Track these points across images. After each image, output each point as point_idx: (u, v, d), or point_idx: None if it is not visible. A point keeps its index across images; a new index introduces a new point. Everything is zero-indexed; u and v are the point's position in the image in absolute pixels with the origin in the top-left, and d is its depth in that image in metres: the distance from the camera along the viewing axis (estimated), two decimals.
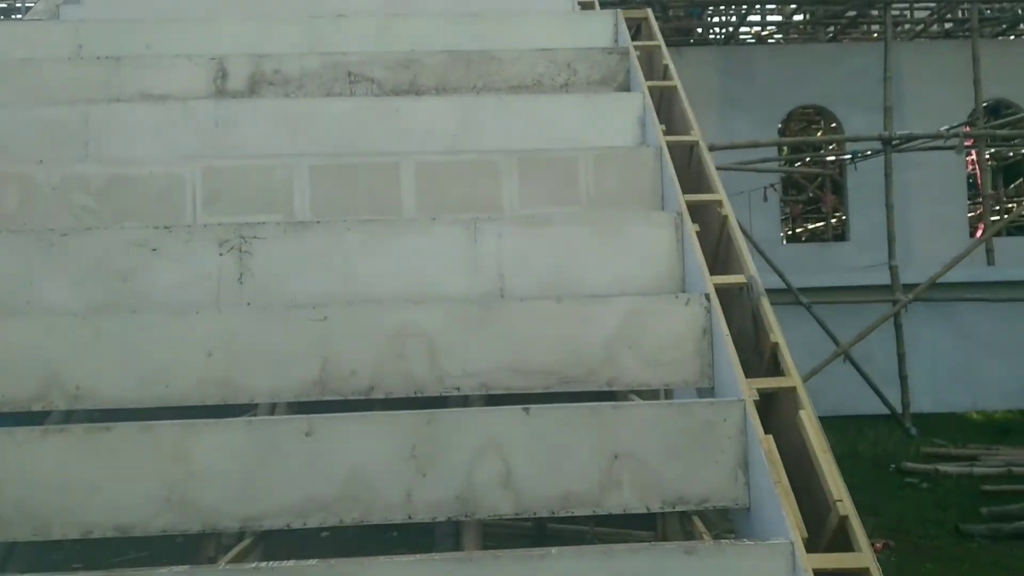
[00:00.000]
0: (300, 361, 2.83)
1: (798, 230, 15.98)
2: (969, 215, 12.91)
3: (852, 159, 10.25)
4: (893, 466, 6.90)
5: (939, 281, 9.03)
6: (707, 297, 2.97)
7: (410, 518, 2.45)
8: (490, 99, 4.13)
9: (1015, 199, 14.34)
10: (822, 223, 14.47)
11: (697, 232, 3.32)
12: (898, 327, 8.63)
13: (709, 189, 3.55)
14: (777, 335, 2.83)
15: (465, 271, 3.24)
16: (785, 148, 12.62)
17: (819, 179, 11.99)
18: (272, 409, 3.31)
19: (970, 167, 13.36)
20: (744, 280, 3.07)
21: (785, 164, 12.35)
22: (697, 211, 3.62)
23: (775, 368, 2.82)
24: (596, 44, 4.62)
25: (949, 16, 12.33)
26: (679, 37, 12.48)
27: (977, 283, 9.45)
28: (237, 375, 2.80)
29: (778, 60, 12.29)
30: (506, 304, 2.99)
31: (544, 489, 2.52)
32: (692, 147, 3.84)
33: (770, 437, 2.49)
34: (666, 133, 4.00)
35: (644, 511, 2.58)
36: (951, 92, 10.79)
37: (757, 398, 2.60)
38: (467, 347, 2.91)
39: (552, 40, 4.57)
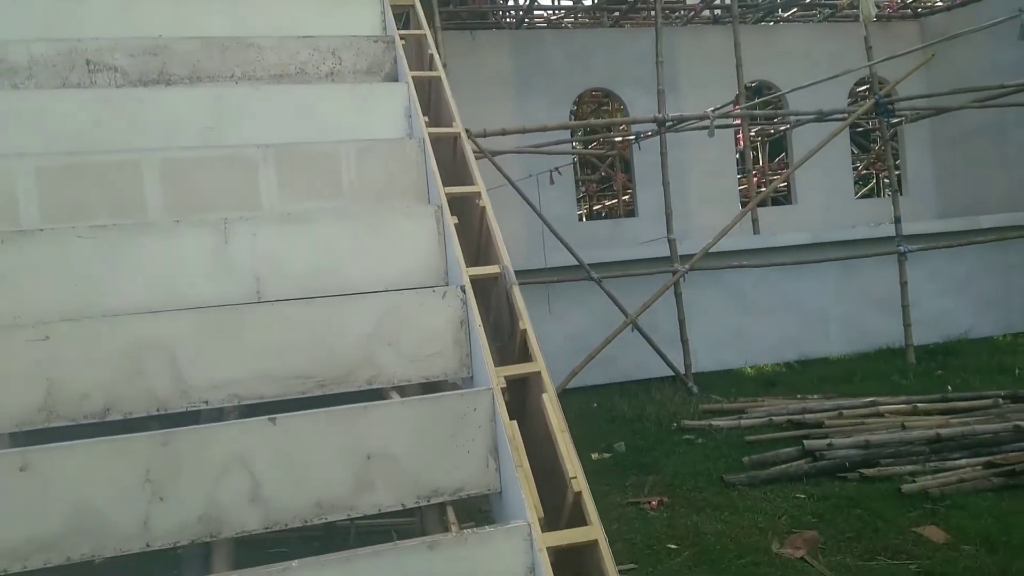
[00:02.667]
0: (20, 386, 2.58)
1: (596, 208, 16.83)
2: (742, 188, 14.16)
3: (636, 139, 10.91)
4: (675, 425, 7.49)
5: (713, 251, 9.84)
6: (463, 289, 3.04)
7: (148, 546, 2.33)
8: (247, 89, 3.94)
9: (779, 172, 15.96)
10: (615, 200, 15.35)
11: (457, 224, 3.39)
12: (678, 295, 9.34)
13: (471, 181, 3.63)
14: (525, 322, 2.95)
15: (216, 276, 3.10)
16: (581, 130, 13.20)
17: (609, 159, 12.65)
18: None
19: (741, 144, 14.68)
20: (499, 270, 3.18)
21: (579, 146, 12.94)
22: (461, 203, 3.70)
23: (527, 354, 2.95)
24: (362, 32, 4.54)
25: (717, 3, 13.36)
26: (475, 20, 12.61)
27: (745, 250, 10.43)
28: None
29: (567, 44, 12.77)
30: (255, 309, 2.90)
31: (295, 499, 2.48)
32: (455, 138, 3.90)
33: (514, 423, 2.61)
34: (434, 124, 4.03)
35: (400, 508, 2.61)
36: (722, 74, 11.73)
37: (504, 385, 2.71)
38: (214, 357, 2.79)
39: (316, 27, 4.44)
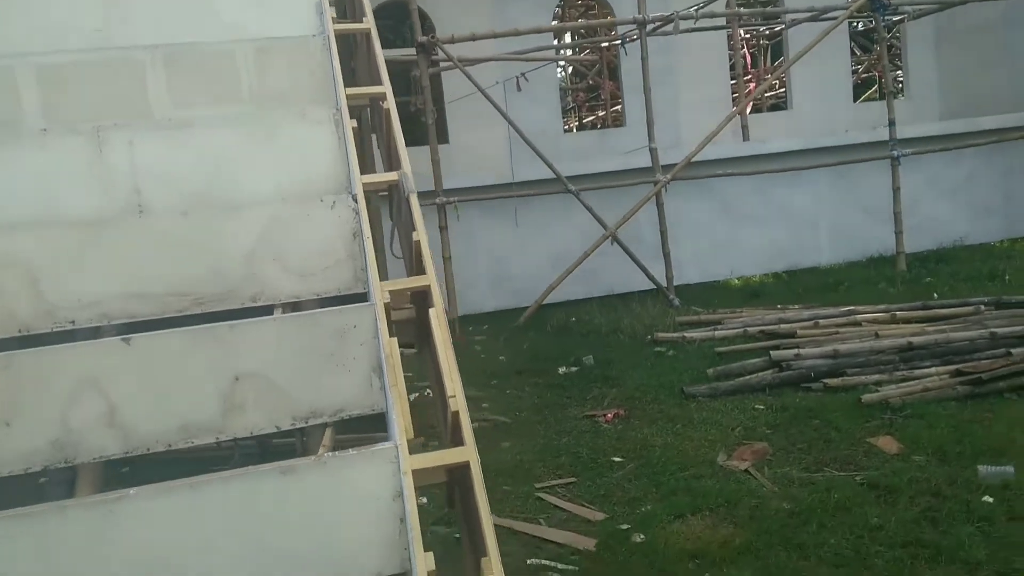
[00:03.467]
0: None
1: (589, 119, 16.28)
2: (737, 95, 13.61)
3: (622, 44, 10.37)
4: (649, 337, 7.35)
5: (700, 159, 9.49)
6: (355, 198, 2.81)
7: None
8: None
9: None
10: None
11: (356, 128, 3.14)
12: (659, 206, 9.04)
13: (379, 82, 3.35)
14: (420, 233, 2.73)
15: (94, 188, 2.87)
16: (568, 36, 12.59)
17: (596, 67, 12.08)
18: None
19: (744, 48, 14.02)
20: (397, 178, 2.94)
21: (563, 53, 12.37)
22: (370, 106, 3.43)
23: (422, 267, 2.75)
24: None
25: None
26: None
27: (733, 158, 10.05)
28: None
29: None
30: (126, 222, 2.69)
31: (157, 423, 2.33)
32: (367, 36, 3.60)
33: (393, 340, 2.43)
34: (344, 20, 3.72)
35: (275, 430, 2.46)
36: None
37: (388, 300, 2.52)
38: (81, 275, 2.60)
39: None
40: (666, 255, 9.16)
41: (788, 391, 5.33)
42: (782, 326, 6.92)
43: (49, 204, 2.83)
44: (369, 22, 3.54)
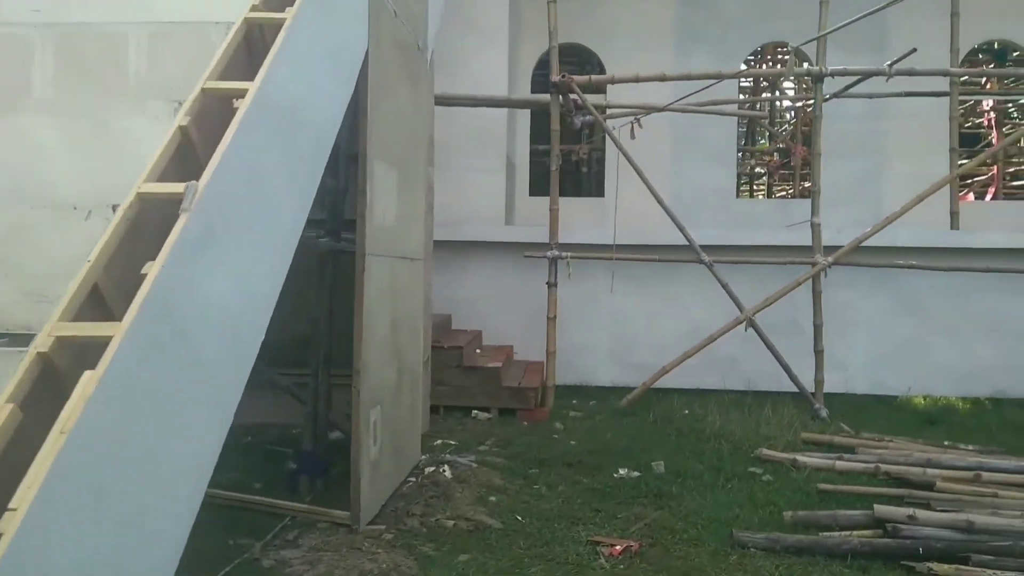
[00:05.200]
0: None
1: (785, 190, 14.48)
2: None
3: (813, 102, 8.90)
4: (754, 453, 5.94)
5: (885, 245, 7.83)
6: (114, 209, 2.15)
7: None
8: None
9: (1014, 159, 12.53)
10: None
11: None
12: (816, 294, 7.50)
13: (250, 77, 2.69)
14: (154, 266, 1.99)
15: None
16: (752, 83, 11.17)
17: (783, 129, 10.61)
18: None
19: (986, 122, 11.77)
20: (183, 190, 2.22)
21: (750, 107, 11.06)
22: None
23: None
24: None
25: None
26: None
27: (931, 248, 8.18)
28: None
29: None
30: None
31: None
32: (260, 28, 2.96)
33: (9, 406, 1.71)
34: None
35: None
36: (940, 27, 9.28)
37: (44, 349, 1.80)
38: None
39: None
40: (818, 353, 7.55)
41: (880, 565, 3.82)
42: (928, 471, 5.21)
43: None
44: (291, 13, 2.90)
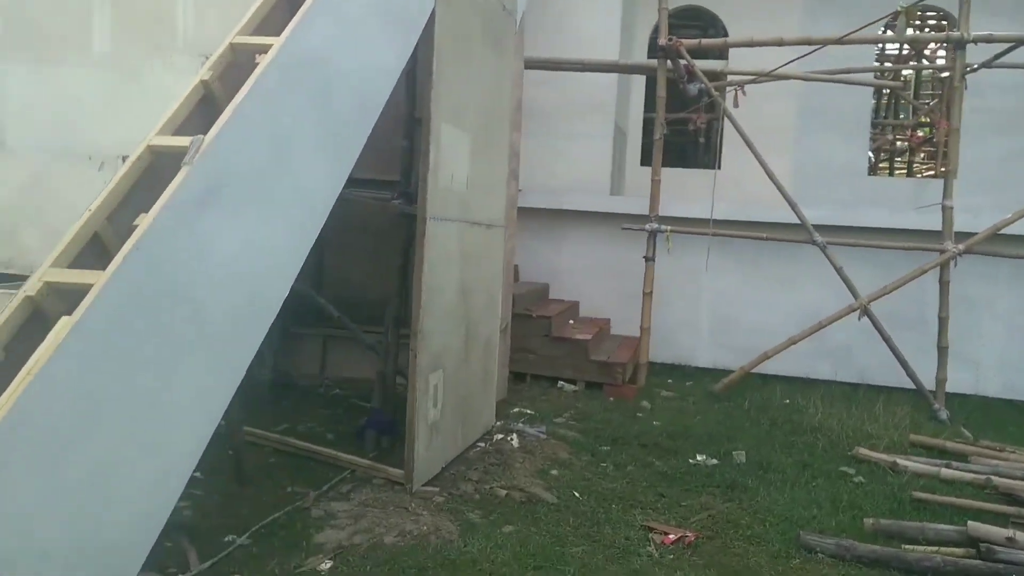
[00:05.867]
0: None
1: (927, 169, 13.18)
2: None
3: (961, 75, 8.00)
4: (851, 452, 5.49)
5: None
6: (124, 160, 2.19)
7: None
8: None
9: None
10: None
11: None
12: (943, 285, 6.79)
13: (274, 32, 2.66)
14: (147, 217, 2.00)
15: None
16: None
17: (928, 102, 9.57)
18: None
19: None
20: (187, 143, 2.22)
21: (886, 76, 10.07)
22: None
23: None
24: None
25: None
26: None
27: None
28: None
29: None
30: None
31: None
32: None
33: None
34: None
35: None
36: None
37: (32, 293, 1.84)
38: None
39: None
40: (941, 350, 6.88)
41: None
42: None
43: None
44: None
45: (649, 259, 7.47)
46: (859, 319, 6.89)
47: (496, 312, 5.39)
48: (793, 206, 7.00)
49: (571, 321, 7.89)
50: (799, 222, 7.10)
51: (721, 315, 8.37)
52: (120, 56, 2.73)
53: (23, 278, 2.19)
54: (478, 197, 4.65)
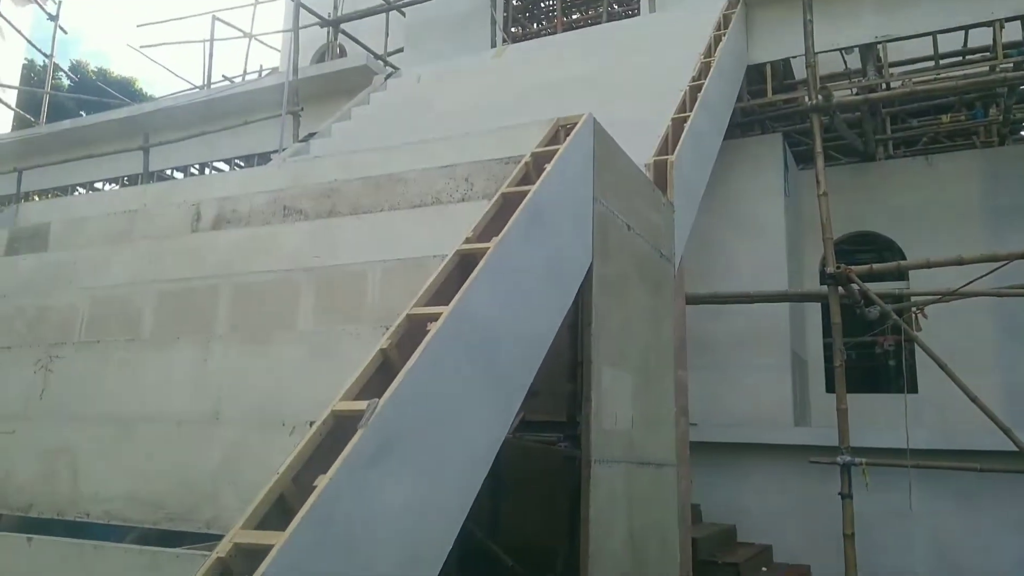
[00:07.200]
0: None
1: None
2: None
3: None
4: None
5: None
6: (311, 425, 2.44)
7: None
8: (348, 220, 4.02)
9: None
10: None
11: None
12: None
13: None
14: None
15: (190, 391, 3.12)
16: None
17: None
18: None
19: None
20: (364, 407, 2.44)
21: None
22: None
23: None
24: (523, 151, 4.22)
25: None
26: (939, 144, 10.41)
27: None
28: None
29: None
30: (140, 426, 2.80)
31: None
32: None
33: None
34: None
35: None
36: None
37: (222, 554, 2.02)
38: (105, 471, 2.78)
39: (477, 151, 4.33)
40: None
41: None
42: None
43: (163, 402, 3.12)
44: (494, 242, 3.18)
45: (846, 496, 6.82)
46: None
47: (674, 559, 5.07)
48: (1006, 431, 6.27)
49: (763, 568, 7.21)
50: (1017, 449, 6.31)
51: (940, 560, 7.32)
52: (317, 332, 3.15)
53: (219, 538, 2.41)
54: (644, 436, 4.61)
